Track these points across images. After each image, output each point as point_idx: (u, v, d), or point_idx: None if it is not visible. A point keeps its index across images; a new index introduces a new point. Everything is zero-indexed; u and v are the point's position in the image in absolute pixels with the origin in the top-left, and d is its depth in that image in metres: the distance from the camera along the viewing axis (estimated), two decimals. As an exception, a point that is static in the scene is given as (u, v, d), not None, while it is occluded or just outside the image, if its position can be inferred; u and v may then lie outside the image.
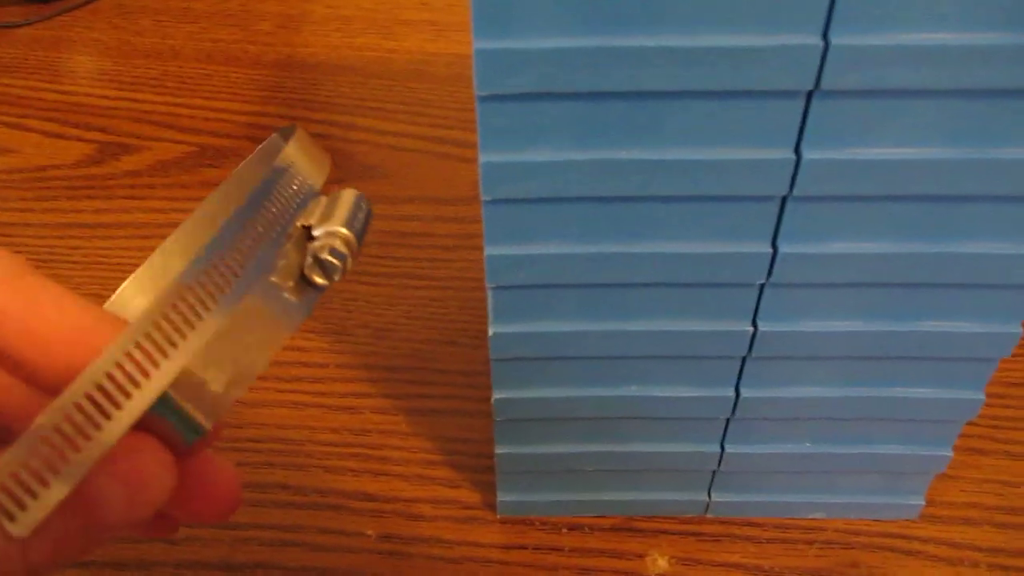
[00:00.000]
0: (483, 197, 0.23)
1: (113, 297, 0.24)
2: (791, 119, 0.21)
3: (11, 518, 0.15)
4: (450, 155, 0.50)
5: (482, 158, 0.22)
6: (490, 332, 0.26)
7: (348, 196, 0.20)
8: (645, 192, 0.22)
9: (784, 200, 0.23)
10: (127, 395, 0.15)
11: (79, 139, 0.51)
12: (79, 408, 0.15)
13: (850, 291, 0.25)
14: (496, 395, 0.28)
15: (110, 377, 0.15)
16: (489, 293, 0.25)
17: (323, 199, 0.20)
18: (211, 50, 0.58)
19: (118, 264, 0.44)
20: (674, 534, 0.33)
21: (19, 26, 0.60)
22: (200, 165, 0.50)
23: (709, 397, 0.28)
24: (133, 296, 0.24)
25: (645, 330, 0.26)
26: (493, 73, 0.20)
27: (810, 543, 0.33)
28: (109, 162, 0.50)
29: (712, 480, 0.32)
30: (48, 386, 0.18)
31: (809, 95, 0.21)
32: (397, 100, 0.54)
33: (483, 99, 0.21)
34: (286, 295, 0.19)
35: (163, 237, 0.48)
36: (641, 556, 0.32)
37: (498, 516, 0.33)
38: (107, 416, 0.15)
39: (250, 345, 0.18)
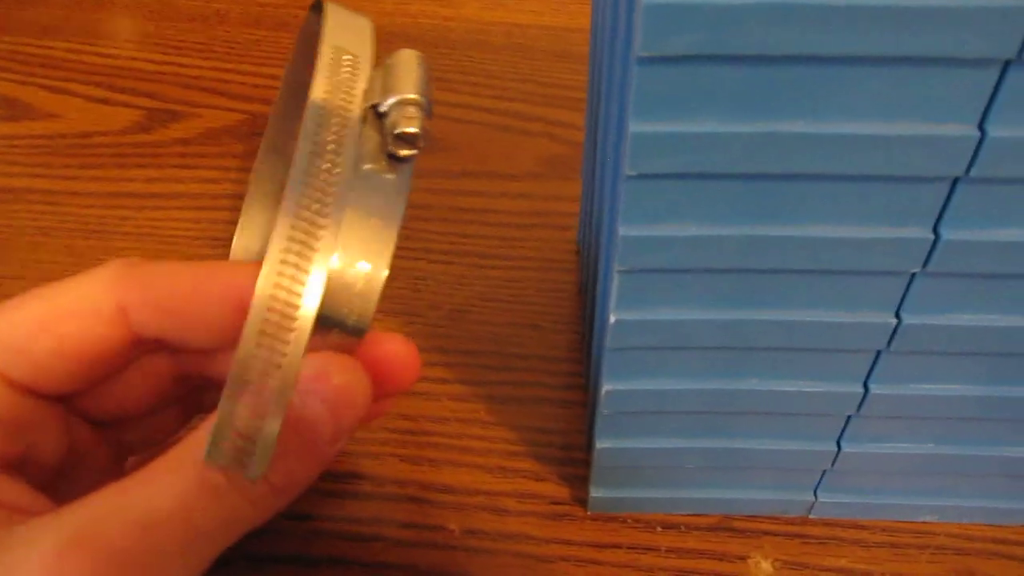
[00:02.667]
0: (627, 172, 0.20)
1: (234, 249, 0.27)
2: (981, 90, 0.19)
3: (244, 467, 0.17)
4: (512, 128, 0.48)
5: (632, 127, 0.19)
6: (611, 320, 0.24)
7: (404, 58, 0.21)
8: (807, 169, 0.20)
9: (955, 182, 0.21)
10: (292, 318, 0.16)
11: (125, 105, 0.49)
12: (258, 349, 0.16)
13: (1010, 282, 0.23)
14: (606, 387, 0.26)
15: (271, 310, 0.16)
16: (616, 277, 0.23)
17: (380, 71, 0.21)
18: (259, 15, 0.56)
19: (171, 236, 0.42)
20: (777, 535, 0.31)
21: (58, -14, 0.58)
22: (253, 133, 0.47)
23: (835, 392, 0.26)
24: (248, 245, 0.27)
25: (778, 319, 0.24)
26: (661, 31, 0.18)
27: (922, 548, 0.31)
28: (158, 129, 0.48)
29: (821, 479, 0.30)
30: (217, 342, 0.21)
31: (1006, 64, 0.19)
32: (456, 70, 0.52)
33: (643, 61, 0.18)
34: (383, 175, 0.19)
35: (216, 208, 0.46)
36: (743, 558, 0.30)
37: (588, 512, 0.31)
38: (285, 344, 0.16)
39: (372, 235, 0.19)
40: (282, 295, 0.16)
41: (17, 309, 0.21)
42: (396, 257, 0.40)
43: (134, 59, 0.52)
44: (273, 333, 0.16)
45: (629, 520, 0.31)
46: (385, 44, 0.55)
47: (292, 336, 0.16)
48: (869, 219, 0.22)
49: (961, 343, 0.25)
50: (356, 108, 0.19)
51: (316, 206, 0.17)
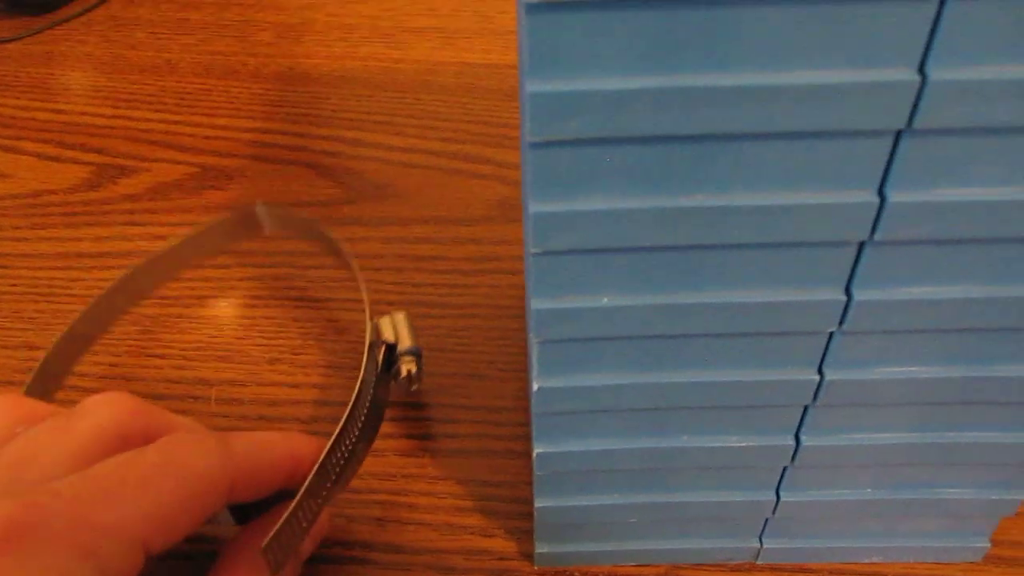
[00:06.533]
0: (532, 250, 0.20)
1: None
2: (876, 160, 0.19)
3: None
4: (463, 171, 0.48)
5: (532, 208, 0.20)
6: (535, 387, 0.24)
7: (401, 318, 0.33)
8: (710, 241, 0.20)
9: (862, 245, 0.21)
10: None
11: (75, 161, 0.49)
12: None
13: (926, 336, 0.23)
14: (538, 449, 0.26)
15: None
16: (534, 347, 0.23)
17: (387, 319, 0.33)
18: (209, 63, 0.56)
19: (120, 295, 0.42)
20: (724, 584, 0.31)
21: (8, 41, 0.58)
22: (203, 187, 0.47)
23: (767, 446, 0.26)
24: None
25: (701, 381, 0.24)
26: (548, 118, 0.18)
27: (869, 590, 0.31)
28: (106, 186, 0.48)
29: (764, 527, 0.30)
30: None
31: (898, 134, 0.19)
32: (406, 113, 0.52)
33: (535, 146, 0.18)
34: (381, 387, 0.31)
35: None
36: (690, 609, 0.30)
37: (535, 568, 0.31)
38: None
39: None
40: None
41: (162, 488, 0.24)
42: (344, 311, 0.40)
43: (84, 113, 0.52)
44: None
45: (576, 574, 0.31)
46: (336, 88, 0.55)
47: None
48: (781, 283, 0.22)
49: (885, 395, 0.25)
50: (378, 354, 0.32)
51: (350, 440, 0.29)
